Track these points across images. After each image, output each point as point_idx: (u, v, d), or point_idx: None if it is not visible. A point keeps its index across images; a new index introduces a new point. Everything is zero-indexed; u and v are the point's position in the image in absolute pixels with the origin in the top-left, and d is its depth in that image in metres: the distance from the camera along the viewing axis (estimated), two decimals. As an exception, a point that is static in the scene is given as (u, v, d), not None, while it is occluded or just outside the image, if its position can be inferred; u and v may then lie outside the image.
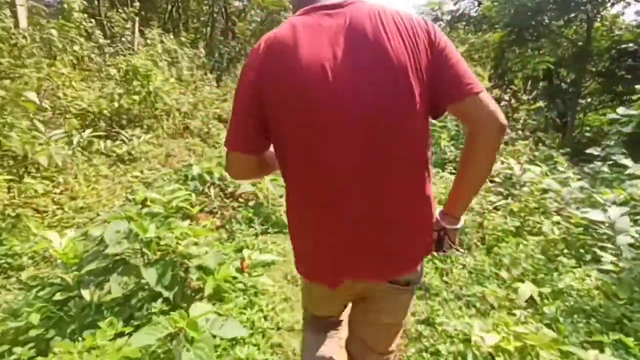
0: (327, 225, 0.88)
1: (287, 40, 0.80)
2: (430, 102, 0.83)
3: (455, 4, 11.41)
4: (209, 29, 9.87)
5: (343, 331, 1.22)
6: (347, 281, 0.94)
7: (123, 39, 6.32)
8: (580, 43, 10.11)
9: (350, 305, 1.16)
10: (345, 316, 1.23)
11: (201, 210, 2.96)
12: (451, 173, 4.33)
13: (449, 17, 11.68)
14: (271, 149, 0.93)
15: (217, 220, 3.06)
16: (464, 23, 11.55)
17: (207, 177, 3.37)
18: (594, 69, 10.68)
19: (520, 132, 6.99)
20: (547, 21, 9.59)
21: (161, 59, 5.84)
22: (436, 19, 11.64)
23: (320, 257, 0.94)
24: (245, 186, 3.23)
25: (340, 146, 0.80)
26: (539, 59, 10.35)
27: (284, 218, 2.79)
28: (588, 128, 12.25)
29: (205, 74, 7.23)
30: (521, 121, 6.93)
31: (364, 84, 0.77)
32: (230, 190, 3.41)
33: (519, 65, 10.70)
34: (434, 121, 1.26)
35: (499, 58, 11.22)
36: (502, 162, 3.84)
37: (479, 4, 11.34)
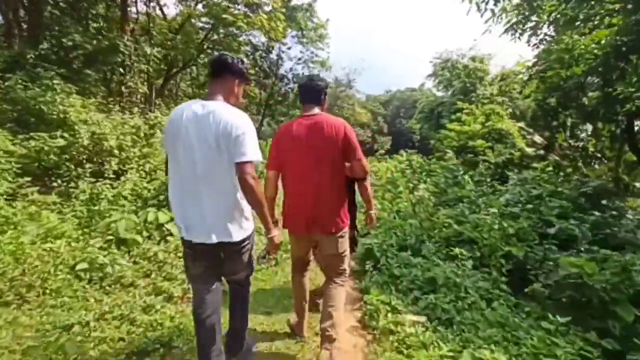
0: (297, 203, 2.26)
1: (290, 125, 2.26)
2: (345, 157, 2.20)
3: None
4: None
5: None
6: (306, 234, 2.29)
7: None
8: None
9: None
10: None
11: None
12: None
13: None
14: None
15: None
16: None
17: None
18: None
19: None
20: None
21: None
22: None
23: (294, 220, 2.29)
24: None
25: (304, 168, 2.18)
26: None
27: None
28: None
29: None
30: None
31: (316, 144, 2.15)
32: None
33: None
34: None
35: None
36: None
37: None
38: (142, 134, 5.28)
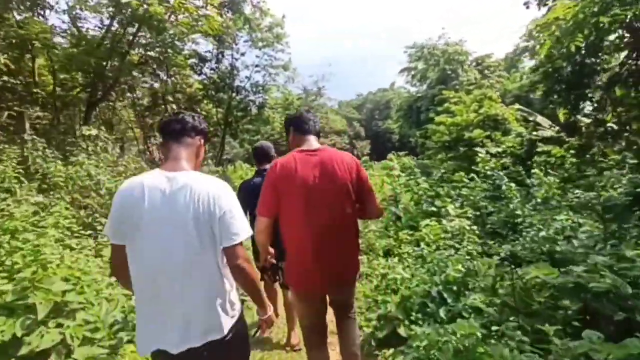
0: (310, 259, 1.84)
1: (290, 164, 1.82)
2: (357, 200, 1.91)
3: None
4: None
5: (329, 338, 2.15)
6: (323, 292, 1.98)
7: None
8: None
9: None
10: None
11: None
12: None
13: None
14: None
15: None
16: None
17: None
18: None
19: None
20: None
21: None
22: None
23: (306, 278, 1.89)
24: None
25: (316, 217, 1.80)
26: None
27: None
28: None
29: None
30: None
31: (326, 186, 1.80)
32: None
33: None
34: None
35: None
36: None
37: None
38: None
